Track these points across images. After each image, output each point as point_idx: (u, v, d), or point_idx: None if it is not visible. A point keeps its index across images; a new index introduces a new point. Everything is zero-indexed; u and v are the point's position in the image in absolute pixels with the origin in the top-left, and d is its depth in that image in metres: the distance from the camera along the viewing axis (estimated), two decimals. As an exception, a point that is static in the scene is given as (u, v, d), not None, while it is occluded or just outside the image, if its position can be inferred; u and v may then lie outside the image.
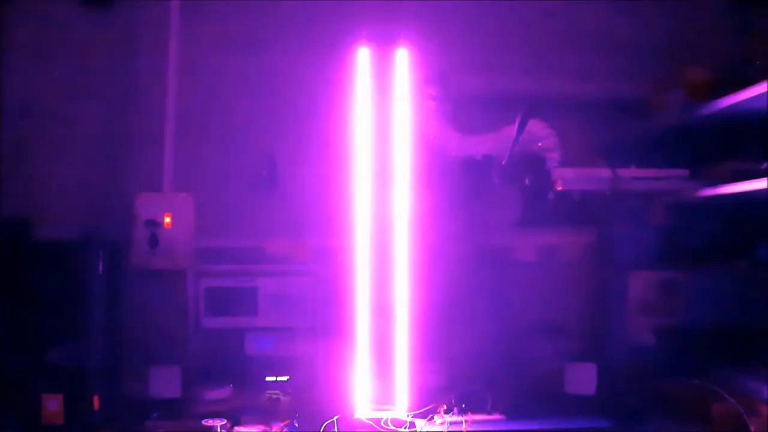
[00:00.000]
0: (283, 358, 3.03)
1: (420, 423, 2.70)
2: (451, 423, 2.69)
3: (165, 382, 2.85)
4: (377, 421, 2.72)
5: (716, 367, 2.83)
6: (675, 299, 3.08)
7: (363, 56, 2.86)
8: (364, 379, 2.81)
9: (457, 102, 3.12)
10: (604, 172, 2.93)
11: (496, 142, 2.99)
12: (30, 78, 3.28)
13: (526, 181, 3.00)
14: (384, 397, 2.81)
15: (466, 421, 2.69)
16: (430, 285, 2.88)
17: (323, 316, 3.04)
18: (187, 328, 3.08)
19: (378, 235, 2.84)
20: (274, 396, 2.85)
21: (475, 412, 2.76)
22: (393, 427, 2.67)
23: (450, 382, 2.98)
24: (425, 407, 2.77)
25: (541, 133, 2.98)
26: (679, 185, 2.95)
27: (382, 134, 2.86)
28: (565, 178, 2.92)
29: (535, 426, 2.69)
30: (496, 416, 2.76)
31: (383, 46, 2.87)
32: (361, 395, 2.80)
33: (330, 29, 3.13)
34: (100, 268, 2.75)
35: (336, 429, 2.58)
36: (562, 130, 3.00)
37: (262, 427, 2.64)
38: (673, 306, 3.08)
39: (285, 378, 2.97)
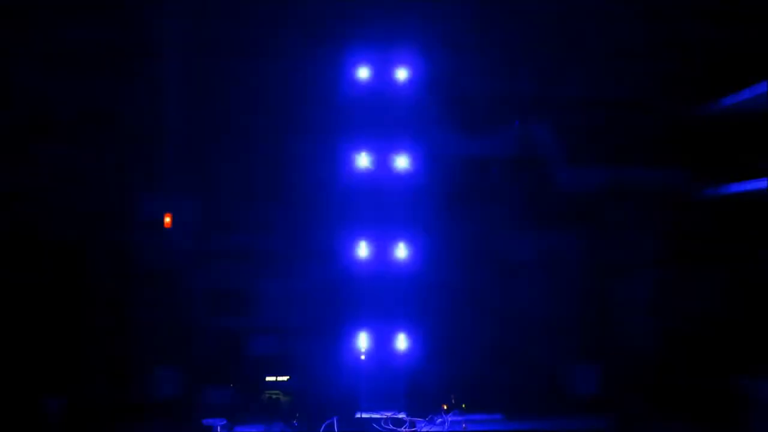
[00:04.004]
0: (283, 358, 3.03)
1: (420, 423, 2.70)
2: (451, 423, 2.69)
3: (165, 382, 2.85)
4: (377, 421, 2.71)
5: (717, 368, 2.83)
6: (675, 299, 3.07)
7: (364, 56, 2.86)
8: (364, 379, 2.81)
9: (457, 102, 3.12)
10: (604, 172, 2.93)
11: (496, 142, 2.99)
12: (31, 78, 3.28)
13: (526, 181, 3.00)
14: (384, 397, 2.81)
15: (466, 421, 2.69)
16: (430, 285, 2.88)
17: (323, 316, 3.04)
18: (187, 328, 3.08)
19: (378, 235, 2.84)
20: (274, 396, 2.85)
21: (475, 412, 2.75)
22: (393, 427, 2.67)
23: (450, 382, 2.98)
24: (425, 407, 2.77)
25: (541, 133, 2.98)
26: (679, 185, 2.95)
27: (381, 133, 2.86)
28: (565, 178, 2.91)
29: (535, 426, 2.69)
30: (496, 416, 2.76)
31: (385, 48, 2.87)
32: (361, 395, 2.80)
33: (332, 30, 3.12)
34: (100, 268, 2.75)
35: (336, 429, 2.58)
36: (562, 130, 2.99)
37: (262, 427, 2.63)
38: (673, 306, 3.07)
39: (285, 378, 2.97)
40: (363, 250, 2.84)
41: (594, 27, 3.38)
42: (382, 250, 2.84)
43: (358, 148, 2.87)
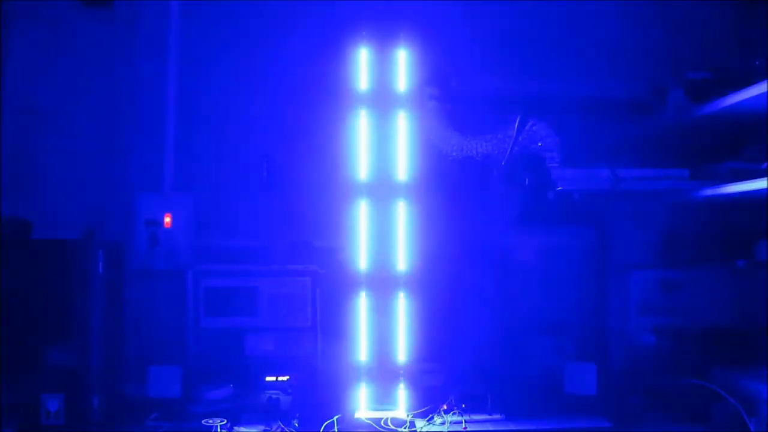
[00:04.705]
0: (283, 358, 3.03)
1: (420, 423, 2.70)
2: (451, 423, 2.68)
3: (165, 382, 2.85)
4: (377, 421, 2.71)
5: (716, 367, 2.83)
6: (675, 299, 3.08)
7: (363, 56, 2.87)
8: (364, 379, 2.81)
9: (457, 102, 3.12)
10: (604, 172, 2.93)
11: (496, 142, 2.99)
12: (30, 78, 3.28)
13: (526, 181, 3.00)
14: (384, 397, 2.81)
15: (466, 421, 2.69)
16: (430, 285, 2.88)
17: (323, 316, 3.04)
18: (187, 328, 3.08)
19: (378, 235, 2.84)
20: (274, 396, 2.85)
21: (475, 412, 2.75)
22: (393, 427, 2.67)
23: (450, 382, 2.98)
24: (425, 407, 2.77)
25: (541, 133, 2.98)
26: (679, 185, 2.95)
27: (381, 134, 2.86)
28: (565, 178, 2.92)
29: (535, 426, 2.69)
30: (496, 416, 2.76)
31: (383, 46, 2.87)
32: (361, 395, 2.80)
33: (330, 29, 3.13)
34: (100, 268, 2.75)
35: (336, 429, 2.58)
36: (562, 130, 2.99)
37: (262, 427, 2.63)
38: (673, 306, 3.07)
39: (285, 378, 2.96)
40: (365, 248, 2.84)
41: (595, 26, 3.39)
42: (382, 250, 2.84)
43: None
